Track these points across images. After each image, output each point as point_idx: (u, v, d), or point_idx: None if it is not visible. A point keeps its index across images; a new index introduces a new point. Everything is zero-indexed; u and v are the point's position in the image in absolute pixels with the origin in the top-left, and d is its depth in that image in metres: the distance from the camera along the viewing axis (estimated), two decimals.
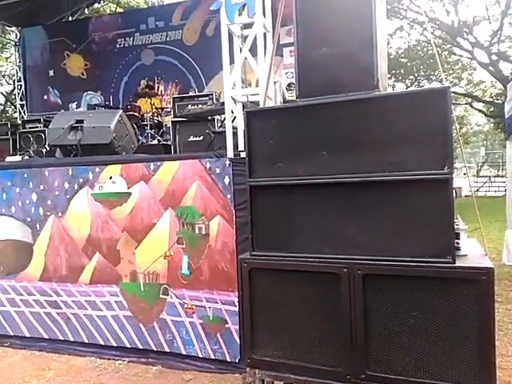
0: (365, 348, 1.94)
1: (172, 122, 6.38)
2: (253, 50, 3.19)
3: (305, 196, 2.06)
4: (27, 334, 3.68)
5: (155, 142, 7.37)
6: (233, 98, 3.25)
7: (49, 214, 3.58)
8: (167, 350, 3.25)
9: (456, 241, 1.92)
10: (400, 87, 19.53)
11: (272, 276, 2.19)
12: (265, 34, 3.26)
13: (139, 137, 7.21)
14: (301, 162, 2.05)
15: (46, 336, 3.62)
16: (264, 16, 3.21)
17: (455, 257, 1.83)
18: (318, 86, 2.05)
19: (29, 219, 3.66)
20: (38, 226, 3.62)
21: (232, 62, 3.25)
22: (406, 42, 18.50)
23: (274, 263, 2.15)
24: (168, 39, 9.91)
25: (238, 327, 3.00)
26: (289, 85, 6.86)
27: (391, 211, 1.90)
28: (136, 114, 7.75)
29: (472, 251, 2.08)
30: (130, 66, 10.17)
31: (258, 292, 2.22)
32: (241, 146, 3.26)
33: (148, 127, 7.61)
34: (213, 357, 3.12)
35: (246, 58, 3.22)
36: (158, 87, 9.89)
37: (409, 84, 19.76)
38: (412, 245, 1.87)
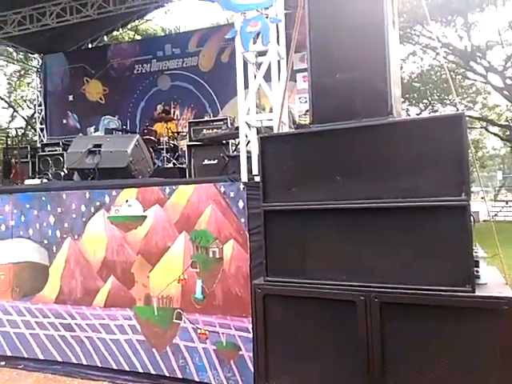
0: (382, 379, 1.89)
1: (187, 145, 6.48)
2: (266, 76, 3.26)
3: (319, 221, 2.05)
4: (41, 357, 3.68)
5: (171, 165, 7.48)
6: (247, 123, 3.30)
7: (65, 236, 3.63)
8: (180, 376, 3.20)
9: (475, 269, 1.88)
10: (413, 111, 19.52)
11: (287, 303, 2.16)
12: (279, 61, 3.32)
13: (155, 160, 7.33)
14: (315, 187, 2.05)
15: (59, 359, 3.60)
16: (278, 44, 3.28)
17: (475, 286, 1.78)
18: (331, 111, 2.08)
19: (46, 241, 3.71)
20: (54, 249, 3.66)
21: (246, 87, 3.31)
22: (418, 67, 18.60)
23: (288, 290, 2.13)
24: (184, 65, 10.19)
25: (251, 354, 2.95)
26: (307, 111, 6.95)
27: (407, 238, 1.88)
28: (152, 138, 7.90)
29: (492, 280, 2.03)
30: (147, 91, 10.45)
31: (272, 319, 2.19)
32: (255, 170, 3.28)
33: (164, 151, 7.75)
34: None
35: (260, 85, 3.28)
36: (174, 112, 10.11)
37: (422, 108, 19.75)
38: (430, 273, 1.83)
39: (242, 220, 3.09)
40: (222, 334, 3.09)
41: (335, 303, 2.00)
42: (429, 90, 18.71)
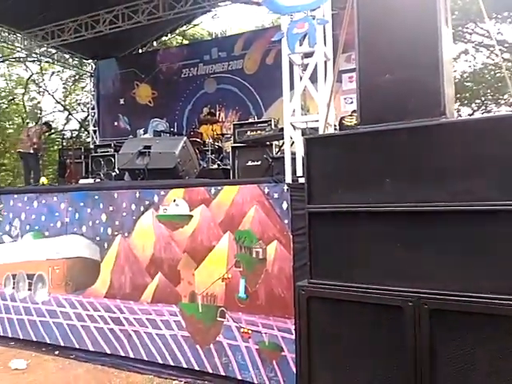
0: None
1: (232, 147, 6.58)
2: (312, 77, 3.25)
3: (366, 224, 2.01)
4: (91, 348, 3.86)
5: (215, 166, 7.61)
6: (292, 125, 3.30)
7: (116, 233, 3.80)
8: (223, 373, 3.26)
9: None
10: (465, 112, 18.68)
11: (331, 306, 2.13)
12: (325, 62, 3.30)
13: (200, 161, 7.49)
14: (362, 189, 2.01)
15: (108, 351, 3.76)
16: (324, 45, 3.26)
17: None
18: (380, 112, 2.04)
19: (98, 238, 3.89)
20: (105, 245, 3.84)
21: (291, 89, 3.32)
22: (471, 66, 17.79)
23: (333, 292, 2.10)
24: (230, 68, 10.34)
25: (294, 356, 2.94)
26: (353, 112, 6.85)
27: (461, 243, 1.80)
28: (198, 139, 8.08)
29: None
30: (194, 94, 10.69)
31: (315, 322, 2.16)
32: (299, 172, 3.28)
33: (209, 152, 7.89)
34: None
35: (305, 86, 3.27)
36: (219, 114, 10.27)
37: (475, 108, 18.84)
38: (485, 280, 1.74)
39: (286, 221, 3.10)
40: (265, 333, 3.11)
41: (382, 308, 1.94)
42: (482, 90, 17.84)
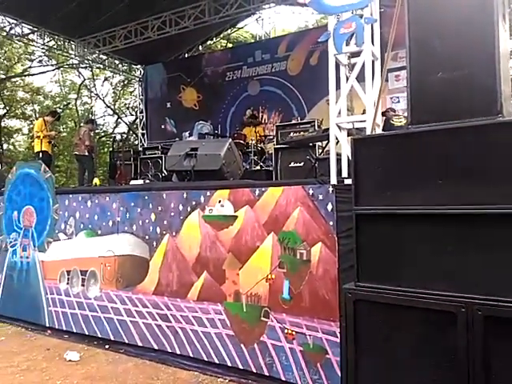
0: None
1: (274, 148, 6.60)
2: (358, 77, 3.20)
3: (416, 226, 1.96)
4: (139, 344, 3.99)
5: (258, 167, 7.67)
6: (338, 126, 3.27)
7: (164, 232, 3.91)
8: (266, 373, 3.27)
9: None
10: None
11: (378, 309, 2.09)
12: (372, 61, 3.24)
13: (243, 163, 7.57)
14: (412, 191, 1.97)
15: (155, 347, 3.88)
16: (372, 44, 3.21)
17: None
18: (432, 112, 1.98)
19: (147, 237, 4.03)
20: (154, 244, 3.97)
21: (337, 89, 3.29)
22: None
23: (381, 296, 2.06)
24: (273, 70, 10.39)
25: (339, 359, 2.91)
26: (389, 110, 6.67)
27: None
28: (242, 141, 8.17)
29: None
30: (238, 96, 10.83)
31: (362, 325, 2.13)
32: (344, 173, 3.25)
33: (252, 154, 7.96)
34: None
35: (352, 86, 3.23)
36: (262, 116, 10.34)
37: None
38: None
39: (331, 223, 3.07)
40: (309, 336, 3.10)
41: (433, 314, 1.89)
42: None
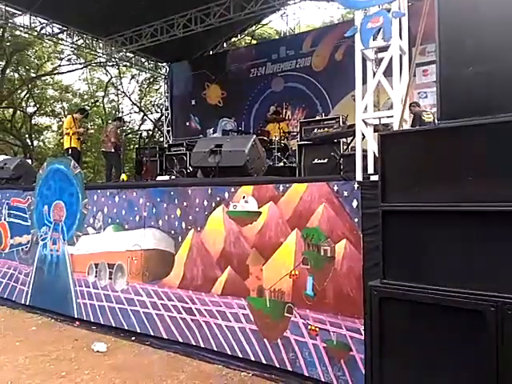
0: None
1: (298, 145, 6.58)
2: (385, 72, 3.16)
3: (445, 224, 1.92)
4: (165, 336, 4.07)
5: (281, 164, 7.66)
6: (364, 121, 3.24)
7: (190, 227, 3.97)
8: (289, 368, 3.28)
9: None
10: None
11: (405, 307, 2.06)
12: (400, 56, 3.19)
13: (266, 160, 7.57)
14: (441, 187, 1.93)
15: (180, 340, 3.95)
16: (400, 38, 3.15)
17: None
18: (463, 107, 1.93)
19: (172, 232, 4.10)
20: (179, 238, 4.03)
21: (363, 84, 3.25)
22: None
23: (407, 294, 2.03)
24: (297, 66, 10.35)
25: (363, 356, 2.90)
26: (415, 104, 6.53)
27: None
28: (265, 138, 8.17)
29: None
30: (262, 93, 10.84)
31: (388, 323, 2.10)
32: (370, 170, 3.21)
33: (275, 150, 7.96)
34: (335, 383, 3.05)
35: (379, 81, 3.19)
36: (286, 112, 10.32)
37: None
38: None
39: (356, 220, 3.05)
40: (333, 332, 3.09)
41: (462, 313, 1.85)
42: None
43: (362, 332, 2.91)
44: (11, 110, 20.61)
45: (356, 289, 3.00)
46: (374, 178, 2.97)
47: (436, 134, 2.02)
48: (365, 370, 2.82)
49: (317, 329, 3.17)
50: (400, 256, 2.09)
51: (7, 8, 9.74)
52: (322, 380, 3.11)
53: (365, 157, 3.26)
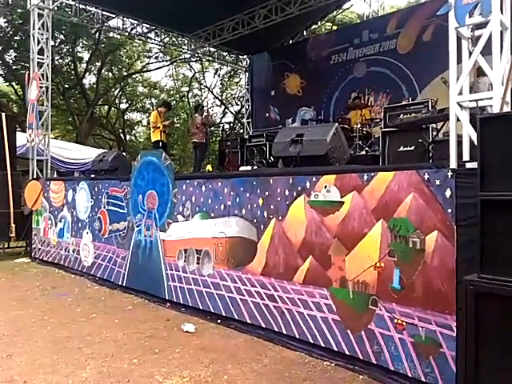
0: None
1: (382, 132, 6.32)
2: (482, 51, 2.91)
3: None
4: (248, 321, 4.20)
5: (363, 152, 7.43)
6: (459, 104, 3.01)
7: (271, 216, 4.03)
8: (374, 361, 3.21)
9: None
10: None
11: (503, 304, 1.93)
12: (501, 32, 2.91)
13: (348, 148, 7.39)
14: None
15: (263, 325, 4.05)
16: (501, 12, 2.87)
17: None
18: None
19: (255, 220, 4.19)
20: (262, 227, 4.12)
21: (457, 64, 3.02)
22: None
23: (507, 290, 1.89)
24: (381, 50, 9.91)
25: (454, 354, 2.74)
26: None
27: None
28: (346, 126, 7.98)
29: None
30: (342, 80, 10.56)
31: (485, 320, 1.99)
32: (466, 156, 2.99)
33: (357, 138, 7.74)
34: (423, 379, 2.93)
35: (476, 61, 2.94)
36: (368, 98, 9.96)
37: None
38: None
39: (449, 210, 2.86)
40: (421, 327, 2.96)
41: None
42: None
43: (455, 329, 2.76)
44: (106, 107, 22.51)
45: (448, 283, 2.83)
46: (470, 165, 2.76)
47: None
48: (457, 368, 2.68)
49: (403, 323, 3.06)
50: (500, 250, 1.95)
51: (103, 12, 10.57)
52: (409, 375, 3.00)
53: (459, 143, 3.04)
